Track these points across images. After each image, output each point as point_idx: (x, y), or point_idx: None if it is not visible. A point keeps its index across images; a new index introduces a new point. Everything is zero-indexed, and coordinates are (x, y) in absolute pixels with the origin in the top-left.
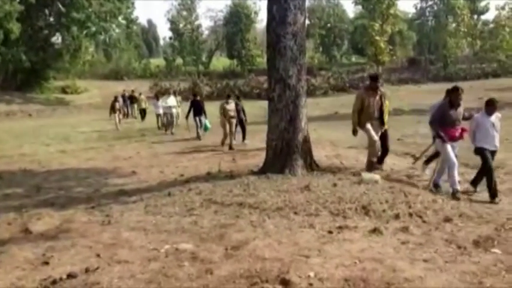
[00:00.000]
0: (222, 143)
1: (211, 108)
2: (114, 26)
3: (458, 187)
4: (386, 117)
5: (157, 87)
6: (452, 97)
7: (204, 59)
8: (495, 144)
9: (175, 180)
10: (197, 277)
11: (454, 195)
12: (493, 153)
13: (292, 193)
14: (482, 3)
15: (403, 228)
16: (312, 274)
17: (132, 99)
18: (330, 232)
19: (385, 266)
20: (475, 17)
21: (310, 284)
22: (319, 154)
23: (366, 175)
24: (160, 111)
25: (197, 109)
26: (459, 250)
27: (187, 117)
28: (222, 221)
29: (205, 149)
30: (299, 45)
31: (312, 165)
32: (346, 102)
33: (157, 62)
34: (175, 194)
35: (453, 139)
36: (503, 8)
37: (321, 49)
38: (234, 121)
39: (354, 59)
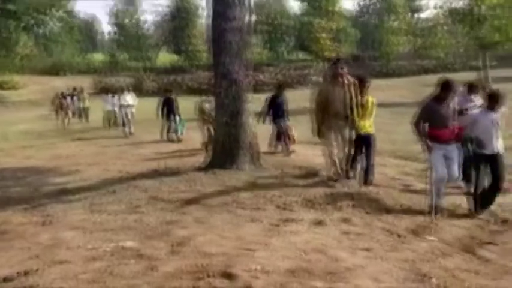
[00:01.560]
0: (206, 148)
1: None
2: (53, 19)
3: (443, 203)
4: (371, 119)
5: (101, 83)
6: (441, 91)
7: (149, 54)
8: (493, 148)
9: (120, 177)
10: (142, 274)
11: (434, 211)
12: (494, 158)
13: (239, 188)
14: (421, 2)
15: (346, 220)
16: (257, 267)
17: (78, 96)
18: (276, 225)
19: (328, 256)
20: (415, 15)
21: (255, 277)
22: (265, 148)
23: (311, 168)
24: (111, 107)
25: (170, 108)
26: (398, 239)
27: (160, 115)
28: (168, 217)
29: (150, 146)
30: (243, 40)
31: (258, 160)
32: (293, 98)
33: (100, 57)
34: (120, 192)
35: (446, 141)
36: (441, 7)
37: (267, 45)
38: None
39: (300, 55)
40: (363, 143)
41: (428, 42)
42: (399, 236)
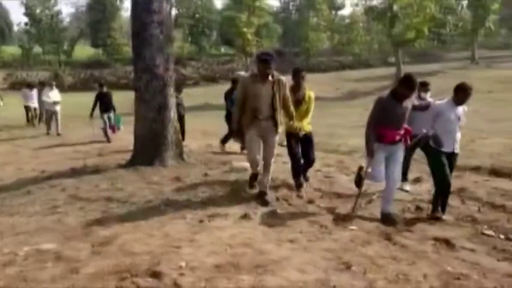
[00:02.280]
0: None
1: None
2: None
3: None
4: (309, 116)
5: (13, 78)
6: (402, 89)
7: (65, 47)
8: (455, 146)
9: (36, 177)
10: (61, 278)
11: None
12: (452, 157)
13: (163, 185)
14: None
15: (271, 212)
16: (183, 264)
17: None
18: (201, 221)
19: (254, 249)
20: (333, 12)
21: (182, 274)
22: (191, 144)
23: (236, 163)
24: (35, 104)
25: (105, 104)
26: (321, 229)
27: (91, 114)
28: (89, 217)
29: (69, 144)
30: (165, 34)
31: (182, 156)
32: (217, 92)
33: (11, 49)
34: (35, 192)
35: (390, 142)
36: (357, 5)
37: (190, 39)
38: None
39: (223, 49)
40: (302, 144)
41: (345, 38)
42: (321, 226)
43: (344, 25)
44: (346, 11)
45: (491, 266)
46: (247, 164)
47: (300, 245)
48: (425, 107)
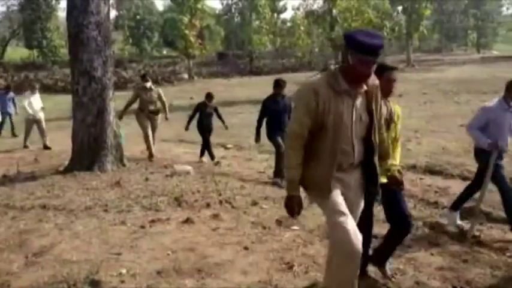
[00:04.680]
0: (150, 155)
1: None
2: None
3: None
4: (398, 153)
5: None
6: None
7: None
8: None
9: None
10: None
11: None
12: None
13: (102, 190)
14: (281, 3)
15: (214, 216)
16: (123, 271)
17: None
18: (142, 227)
19: (197, 253)
20: (275, 15)
21: (122, 281)
22: (133, 149)
23: (178, 167)
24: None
25: None
26: (264, 230)
27: None
28: (22, 226)
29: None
30: (104, 36)
31: (122, 161)
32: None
33: None
34: None
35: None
36: (298, 9)
37: (130, 41)
38: (157, 118)
39: (165, 52)
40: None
41: (287, 41)
42: (264, 227)
43: (286, 28)
44: (287, 15)
45: (425, 260)
46: (189, 168)
47: (243, 247)
48: None
